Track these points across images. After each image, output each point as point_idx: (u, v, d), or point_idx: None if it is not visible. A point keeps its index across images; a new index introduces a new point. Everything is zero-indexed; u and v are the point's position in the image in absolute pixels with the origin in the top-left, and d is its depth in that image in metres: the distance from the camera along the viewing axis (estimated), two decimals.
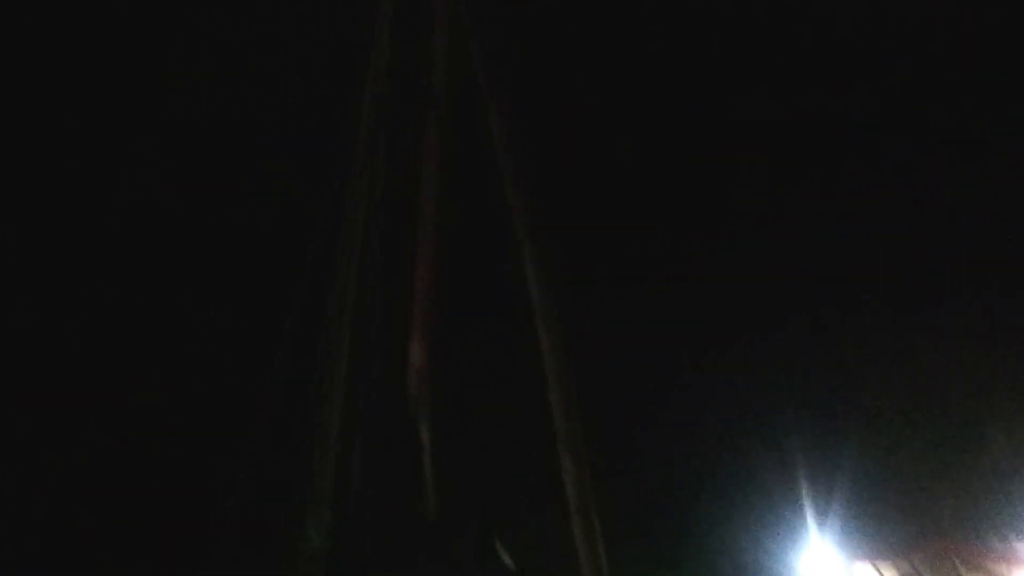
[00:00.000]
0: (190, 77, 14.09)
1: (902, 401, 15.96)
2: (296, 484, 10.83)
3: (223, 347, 13.71)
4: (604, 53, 13.73)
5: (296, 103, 13.30)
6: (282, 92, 13.53)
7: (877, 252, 16.38)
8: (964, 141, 15.70)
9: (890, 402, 15.93)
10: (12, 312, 14.06)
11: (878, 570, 15.65)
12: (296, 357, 10.75)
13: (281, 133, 13.47)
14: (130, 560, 13.11)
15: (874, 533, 15.54)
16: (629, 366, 14.93)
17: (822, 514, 15.34)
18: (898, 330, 15.99)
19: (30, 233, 14.28)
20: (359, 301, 10.87)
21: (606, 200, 14.55)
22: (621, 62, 13.73)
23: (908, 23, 14.63)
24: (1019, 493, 15.33)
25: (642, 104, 14.15)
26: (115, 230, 14.41)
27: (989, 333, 15.83)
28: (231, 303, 13.77)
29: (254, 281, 13.45)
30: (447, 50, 10.92)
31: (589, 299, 13.66)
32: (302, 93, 13.22)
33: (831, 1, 14.62)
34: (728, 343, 15.47)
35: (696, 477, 15.15)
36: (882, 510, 15.53)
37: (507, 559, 11.54)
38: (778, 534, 15.43)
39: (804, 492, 15.24)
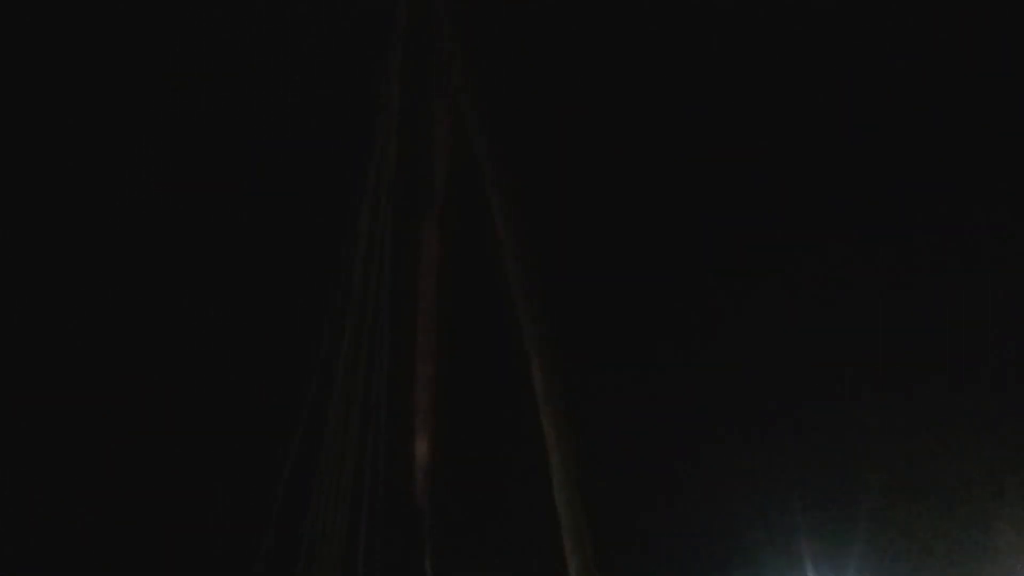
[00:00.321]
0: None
1: (910, 489, 15.87)
2: None
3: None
4: (616, 155, 13.84)
5: (294, 227, 13.41)
6: (283, 217, 13.65)
7: (880, 337, 16.37)
8: (968, 223, 15.75)
9: (898, 491, 15.84)
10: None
11: None
12: (301, 459, 10.72)
13: (282, 255, 13.60)
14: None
15: None
16: (634, 454, 14.88)
17: None
18: (907, 416, 15.94)
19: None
20: (364, 401, 10.85)
21: (610, 287, 14.59)
22: (630, 167, 13.85)
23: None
24: None
25: (647, 195, 14.25)
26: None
27: (999, 420, 15.77)
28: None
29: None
30: (450, 149, 10.99)
31: (594, 389, 13.65)
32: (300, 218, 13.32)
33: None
34: (736, 429, 15.44)
35: (703, 568, 15.07)
36: None
37: None
38: None
39: None
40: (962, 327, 16.12)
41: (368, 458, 10.88)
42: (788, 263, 15.77)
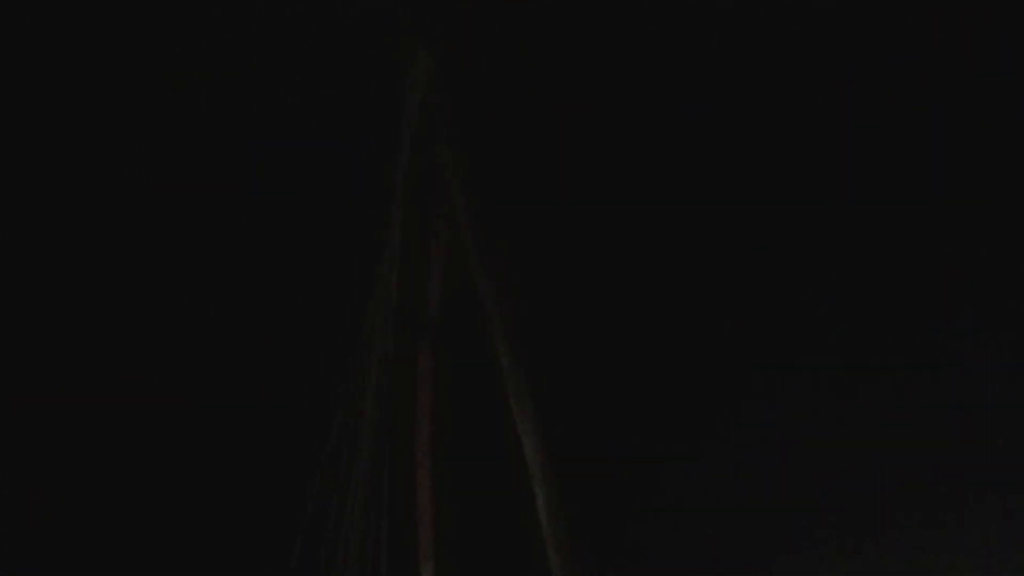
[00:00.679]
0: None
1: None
2: None
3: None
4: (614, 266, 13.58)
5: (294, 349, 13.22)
6: (287, 334, 13.49)
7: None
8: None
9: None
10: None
11: None
12: None
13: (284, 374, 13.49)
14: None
15: None
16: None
17: None
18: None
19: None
20: (362, 537, 10.78)
21: (612, 406, 14.49)
22: (634, 289, 13.57)
23: None
24: None
25: (650, 297, 14.02)
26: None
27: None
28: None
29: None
30: (443, 277, 10.68)
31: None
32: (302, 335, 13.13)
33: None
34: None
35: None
36: None
37: None
38: None
39: None
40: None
41: None
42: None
